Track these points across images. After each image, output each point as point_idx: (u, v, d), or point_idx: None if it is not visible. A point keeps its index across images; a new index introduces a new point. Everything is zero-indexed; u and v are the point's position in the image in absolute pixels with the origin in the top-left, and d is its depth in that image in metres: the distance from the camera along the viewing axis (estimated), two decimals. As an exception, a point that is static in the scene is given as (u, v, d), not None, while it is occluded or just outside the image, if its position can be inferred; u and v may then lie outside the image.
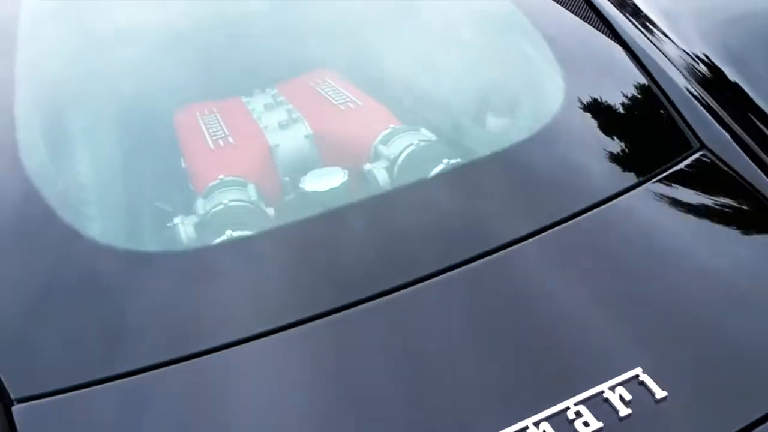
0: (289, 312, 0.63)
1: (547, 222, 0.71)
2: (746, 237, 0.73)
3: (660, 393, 0.53)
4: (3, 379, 0.56)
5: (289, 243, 0.76)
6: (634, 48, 1.05)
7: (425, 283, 0.65)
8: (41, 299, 0.64)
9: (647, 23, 1.14)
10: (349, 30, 1.34)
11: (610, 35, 1.09)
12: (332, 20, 1.37)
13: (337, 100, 1.17)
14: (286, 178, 1.04)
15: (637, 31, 1.09)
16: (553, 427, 0.50)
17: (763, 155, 0.83)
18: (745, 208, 0.76)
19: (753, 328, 0.60)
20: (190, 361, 0.59)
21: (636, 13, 1.17)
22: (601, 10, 1.17)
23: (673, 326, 0.61)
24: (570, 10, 1.17)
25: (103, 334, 0.62)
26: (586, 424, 0.51)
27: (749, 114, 0.90)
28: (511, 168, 0.86)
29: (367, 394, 0.56)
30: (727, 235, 0.73)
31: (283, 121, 1.13)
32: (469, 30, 1.27)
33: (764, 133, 0.86)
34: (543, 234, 0.70)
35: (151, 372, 0.58)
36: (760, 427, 0.50)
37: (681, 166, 0.80)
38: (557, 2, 1.21)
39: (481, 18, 1.28)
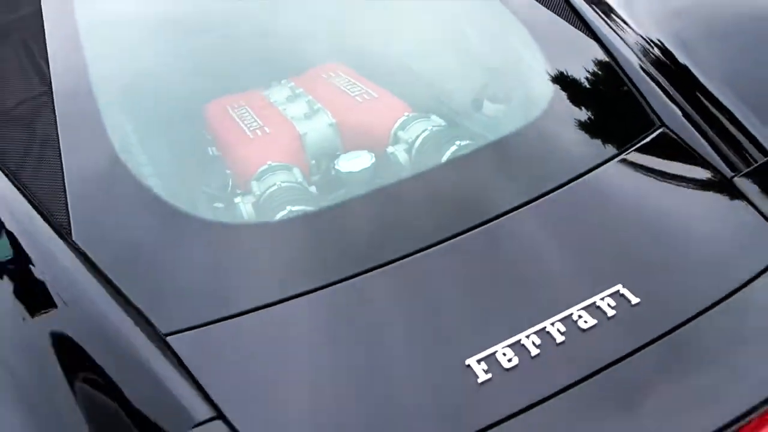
0: (343, 267, 0.83)
1: (535, 193, 0.92)
2: (696, 192, 0.94)
3: (635, 300, 0.76)
4: (158, 314, 0.75)
5: (336, 216, 0.95)
6: (602, 38, 1.25)
7: (458, 238, 0.86)
8: (179, 259, 0.83)
9: (611, 14, 1.34)
10: (355, 24, 1.50)
11: (582, 27, 1.29)
12: (338, 15, 1.52)
13: (351, 91, 1.33)
14: (320, 162, 1.22)
15: (603, 23, 1.29)
16: (564, 326, 0.72)
17: (709, 131, 1.04)
18: (695, 172, 0.97)
19: (699, 252, 0.83)
20: (282, 304, 0.79)
21: (599, 3, 1.37)
22: (572, 2, 1.36)
23: (640, 256, 0.83)
24: (546, 6, 1.36)
25: (223, 282, 0.81)
26: (585, 322, 0.74)
27: (699, 95, 1.11)
28: (500, 150, 1.06)
29: (400, 318, 0.78)
30: (682, 191, 0.94)
31: (307, 112, 1.29)
32: (462, 22, 1.46)
33: (711, 111, 1.07)
34: (533, 201, 0.91)
35: (260, 311, 0.77)
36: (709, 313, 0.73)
37: (645, 141, 1.01)
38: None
39: (471, 11, 1.46)
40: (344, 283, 0.80)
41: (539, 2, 1.35)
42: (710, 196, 0.94)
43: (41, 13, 1.22)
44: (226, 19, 1.52)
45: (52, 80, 1.05)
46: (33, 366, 0.70)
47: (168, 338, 0.73)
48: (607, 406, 0.68)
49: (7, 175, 0.91)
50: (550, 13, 1.33)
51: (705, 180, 0.95)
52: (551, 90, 1.13)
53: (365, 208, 0.95)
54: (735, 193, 0.90)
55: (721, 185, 0.92)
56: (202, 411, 0.68)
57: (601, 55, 1.19)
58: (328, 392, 0.70)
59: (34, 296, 0.76)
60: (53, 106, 1.02)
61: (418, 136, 1.15)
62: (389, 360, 0.72)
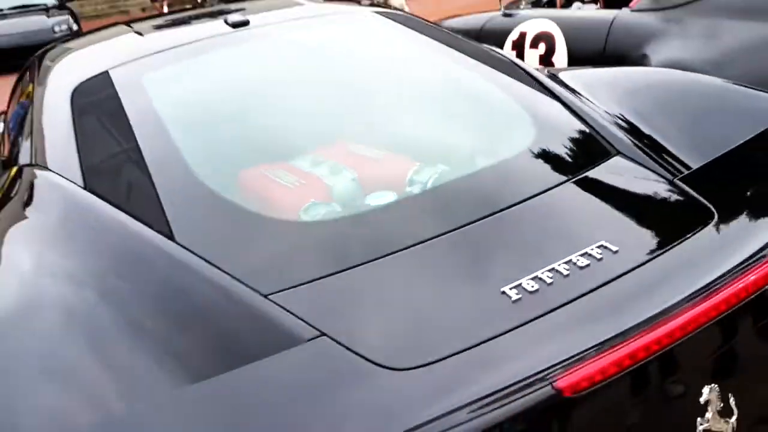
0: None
1: (529, 193, 1.20)
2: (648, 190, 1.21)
3: (614, 248, 1.00)
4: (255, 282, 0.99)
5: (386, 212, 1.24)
6: (567, 103, 1.53)
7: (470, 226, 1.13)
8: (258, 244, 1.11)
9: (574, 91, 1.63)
10: (361, 104, 1.68)
11: (552, 95, 1.57)
12: (348, 97, 1.69)
13: (366, 156, 1.52)
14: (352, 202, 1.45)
15: (567, 92, 1.58)
16: (564, 268, 0.97)
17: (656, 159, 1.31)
18: (645, 184, 1.24)
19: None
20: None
21: (563, 84, 1.66)
22: (543, 81, 1.65)
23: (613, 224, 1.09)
24: (520, 81, 1.65)
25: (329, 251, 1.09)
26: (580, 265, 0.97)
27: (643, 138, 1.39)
28: (497, 174, 1.33)
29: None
30: (634, 193, 1.23)
31: (331, 171, 1.40)
32: (451, 94, 1.71)
33: (652, 149, 1.34)
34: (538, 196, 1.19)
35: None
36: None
37: (608, 161, 1.29)
38: (514, 77, 1.69)
39: (462, 87, 1.72)
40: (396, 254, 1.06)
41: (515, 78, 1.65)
42: (660, 190, 1.24)
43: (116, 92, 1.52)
44: (263, 101, 1.72)
45: (139, 142, 1.35)
46: (173, 324, 0.95)
47: (269, 296, 0.98)
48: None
49: (126, 210, 1.19)
50: (522, 84, 1.63)
51: (650, 187, 1.25)
52: (531, 134, 1.40)
53: (405, 208, 1.23)
54: (678, 188, 1.20)
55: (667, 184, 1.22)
56: (311, 331, 0.92)
57: (570, 117, 1.47)
58: (405, 315, 0.96)
59: (160, 275, 1.04)
60: (143, 158, 1.31)
61: (430, 177, 1.40)
62: (449, 292, 1.00)
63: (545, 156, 1.34)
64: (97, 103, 1.57)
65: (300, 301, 0.96)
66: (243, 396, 0.82)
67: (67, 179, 1.32)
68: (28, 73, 2.24)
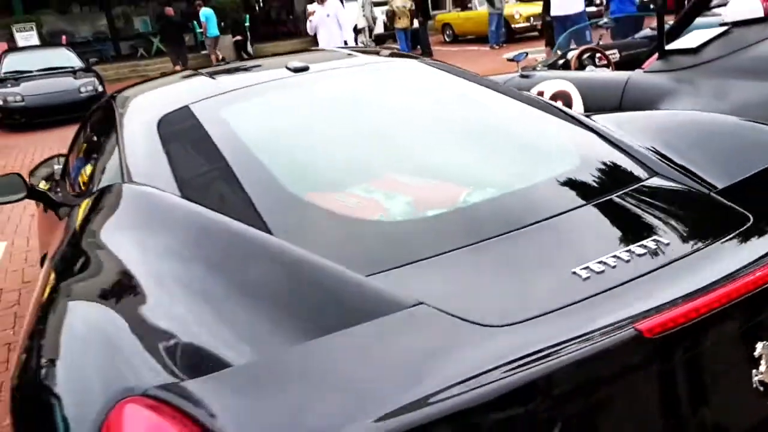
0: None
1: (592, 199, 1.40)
2: (688, 203, 1.39)
3: (666, 240, 1.19)
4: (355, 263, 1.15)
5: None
6: (605, 134, 1.72)
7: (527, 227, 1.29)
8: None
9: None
10: (410, 141, 1.82)
11: (588, 128, 1.77)
12: (396, 135, 1.84)
13: (417, 184, 1.64)
14: None
15: (603, 127, 1.78)
16: (625, 255, 1.14)
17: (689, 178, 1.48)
18: (686, 195, 1.40)
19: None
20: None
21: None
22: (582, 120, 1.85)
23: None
24: (559, 117, 1.85)
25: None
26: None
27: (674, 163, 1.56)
28: (554, 187, 1.50)
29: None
30: (678, 202, 1.39)
31: (386, 195, 1.52)
32: (493, 126, 1.90)
33: (684, 171, 1.51)
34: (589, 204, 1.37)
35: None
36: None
37: (648, 181, 1.45)
38: (553, 114, 1.89)
39: (509, 120, 1.92)
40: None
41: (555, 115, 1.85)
42: (699, 200, 1.43)
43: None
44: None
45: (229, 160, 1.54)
46: (287, 296, 1.10)
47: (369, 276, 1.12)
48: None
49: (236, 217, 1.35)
50: (565, 121, 1.83)
51: (684, 200, 1.46)
52: (574, 159, 1.58)
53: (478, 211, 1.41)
54: (715, 199, 1.38)
55: (703, 196, 1.41)
56: (410, 301, 1.04)
57: (611, 149, 1.66)
58: (488, 289, 1.12)
59: (268, 261, 1.20)
60: (234, 174, 1.49)
61: (482, 198, 1.56)
62: (527, 273, 1.18)
63: (589, 174, 1.52)
64: (183, 131, 1.77)
65: (395, 281, 1.11)
66: (355, 349, 0.95)
67: (164, 191, 1.50)
68: (100, 112, 2.46)
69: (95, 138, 2.41)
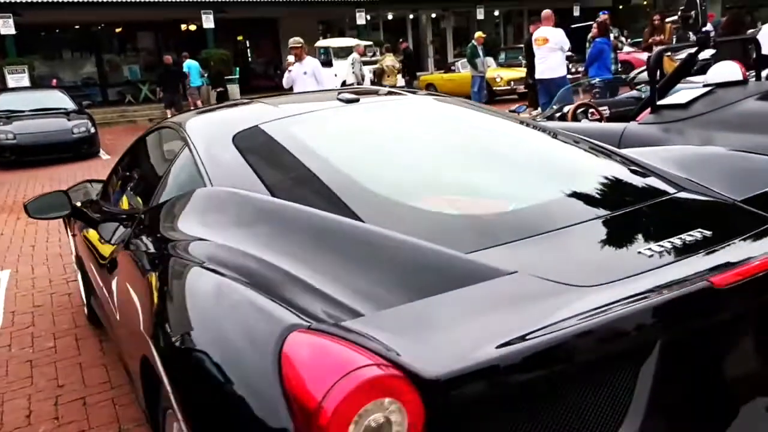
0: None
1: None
2: (715, 209, 1.61)
3: (709, 233, 1.41)
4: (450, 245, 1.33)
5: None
6: (624, 156, 1.99)
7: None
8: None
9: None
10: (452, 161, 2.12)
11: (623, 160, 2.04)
12: (437, 154, 2.08)
13: (466, 200, 1.94)
14: None
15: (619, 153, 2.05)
16: (677, 242, 1.34)
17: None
18: (714, 204, 1.63)
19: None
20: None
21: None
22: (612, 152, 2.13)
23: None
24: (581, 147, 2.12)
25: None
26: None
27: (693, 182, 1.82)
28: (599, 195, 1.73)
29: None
30: (707, 208, 1.62)
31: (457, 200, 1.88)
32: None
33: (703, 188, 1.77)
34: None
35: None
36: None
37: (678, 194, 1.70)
38: (573, 143, 2.17)
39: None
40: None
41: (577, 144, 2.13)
42: (725, 206, 1.63)
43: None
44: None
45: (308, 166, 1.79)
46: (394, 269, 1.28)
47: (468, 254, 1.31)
48: None
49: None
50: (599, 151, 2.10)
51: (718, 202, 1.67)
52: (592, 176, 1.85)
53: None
54: (738, 205, 1.62)
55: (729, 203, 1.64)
56: (507, 270, 1.21)
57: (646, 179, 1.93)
58: (574, 262, 1.33)
59: (366, 242, 1.39)
60: (317, 176, 1.73)
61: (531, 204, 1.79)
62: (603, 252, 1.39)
63: (623, 187, 1.78)
64: (259, 145, 1.99)
65: (489, 258, 1.31)
66: (469, 301, 1.14)
67: (243, 192, 1.71)
68: (157, 136, 2.68)
69: (153, 159, 2.62)
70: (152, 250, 1.75)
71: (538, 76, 8.96)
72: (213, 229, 1.63)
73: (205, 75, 16.78)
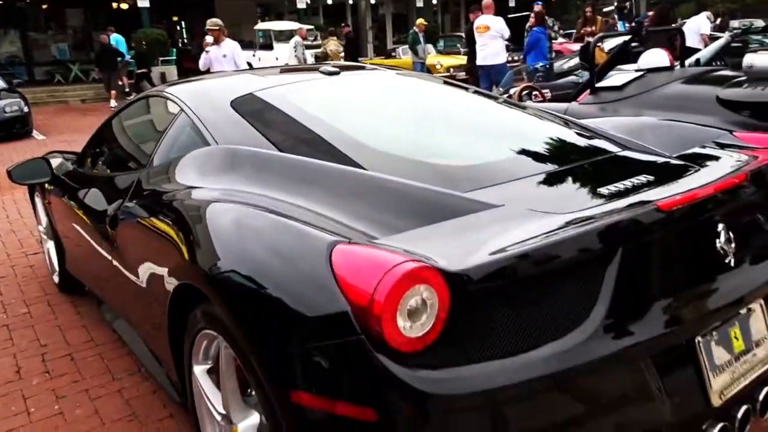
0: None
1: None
2: (654, 162, 1.75)
3: (652, 178, 1.60)
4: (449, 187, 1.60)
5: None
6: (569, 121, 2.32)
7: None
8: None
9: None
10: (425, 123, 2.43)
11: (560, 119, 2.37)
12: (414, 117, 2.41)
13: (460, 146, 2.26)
14: None
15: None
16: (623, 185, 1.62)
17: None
18: (655, 158, 1.93)
19: None
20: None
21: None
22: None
23: None
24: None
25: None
26: None
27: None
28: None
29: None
30: (648, 162, 1.88)
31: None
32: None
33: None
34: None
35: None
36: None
37: (623, 152, 2.03)
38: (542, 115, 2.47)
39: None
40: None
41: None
42: (663, 159, 1.68)
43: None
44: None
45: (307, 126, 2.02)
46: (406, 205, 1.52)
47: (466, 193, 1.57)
48: None
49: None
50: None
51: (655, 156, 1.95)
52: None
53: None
54: (673, 160, 1.91)
55: (664, 156, 1.92)
56: (496, 204, 1.48)
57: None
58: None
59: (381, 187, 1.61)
60: (318, 134, 1.97)
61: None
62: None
63: (581, 144, 2.09)
64: (258, 109, 2.19)
65: (478, 197, 1.57)
66: (468, 225, 1.41)
67: (252, 148, 1.93)
68: (145, 104, 2.83)
69: (143, 126, 2.76)
70: (177, 199, 1.89)
71: (479, 62, 9.35)
72: (233, 180, 1.83)
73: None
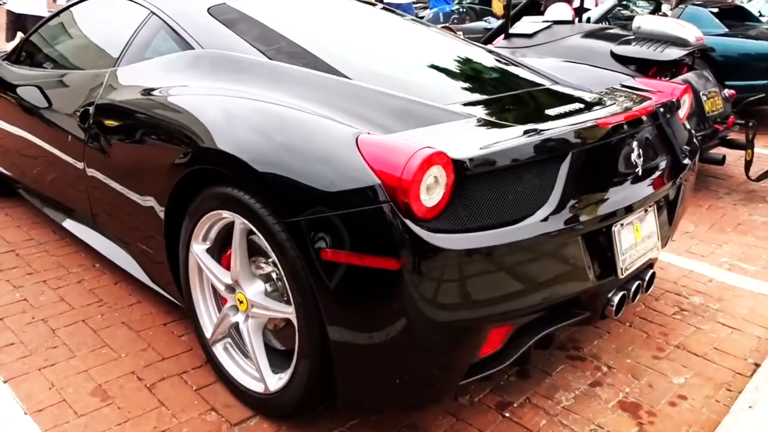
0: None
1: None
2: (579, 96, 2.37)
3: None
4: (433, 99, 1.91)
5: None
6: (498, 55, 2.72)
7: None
8: None
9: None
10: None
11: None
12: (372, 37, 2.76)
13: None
14: None
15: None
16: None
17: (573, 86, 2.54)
18: (574, 93, 2.41)
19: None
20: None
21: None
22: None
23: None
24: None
25: None
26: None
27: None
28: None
29: None
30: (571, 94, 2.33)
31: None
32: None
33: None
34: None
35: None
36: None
37: (555, 87, 2.46)
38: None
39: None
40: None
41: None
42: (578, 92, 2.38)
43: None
44: None
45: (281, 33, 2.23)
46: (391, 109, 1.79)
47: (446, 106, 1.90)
48: None
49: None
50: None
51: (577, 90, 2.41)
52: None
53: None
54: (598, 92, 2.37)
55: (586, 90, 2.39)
56: (467, 115, 1.91)
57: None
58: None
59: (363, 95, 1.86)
60: (294, 42, 2.19)
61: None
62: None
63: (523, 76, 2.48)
64: (234, 18, 2.33)
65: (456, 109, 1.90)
66: (447, 129, 1.74)
67: (242, 54, 2.12)
68: (96, 4, 2.84)
69: (103, 26, 2.78)
70: (179, 95, 2.04)
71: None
72: (228, 82, 2.02)
73: None
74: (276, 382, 1.81)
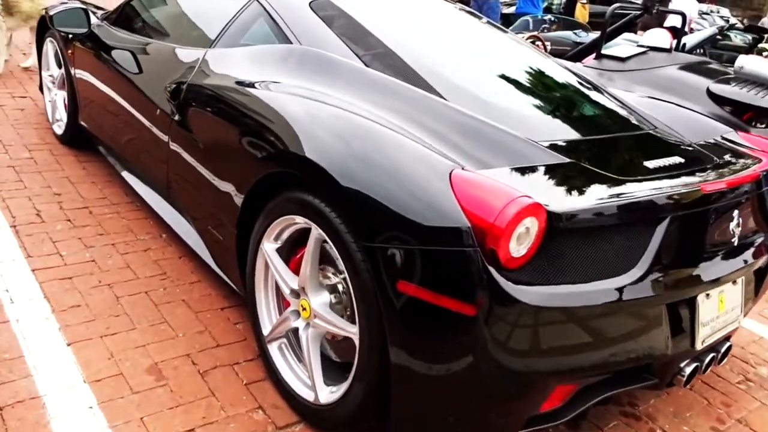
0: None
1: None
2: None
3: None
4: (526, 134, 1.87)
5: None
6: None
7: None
8: None
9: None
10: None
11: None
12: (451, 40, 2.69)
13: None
14: None
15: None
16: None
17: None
18: (677, 142, 2.29)
19: None
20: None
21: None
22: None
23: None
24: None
25: None
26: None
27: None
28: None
29: None
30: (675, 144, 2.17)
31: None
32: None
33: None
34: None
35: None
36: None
37: (653, 130, 2.35)
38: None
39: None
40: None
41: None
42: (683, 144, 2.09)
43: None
44: None
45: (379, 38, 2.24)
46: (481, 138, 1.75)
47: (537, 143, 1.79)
48: None
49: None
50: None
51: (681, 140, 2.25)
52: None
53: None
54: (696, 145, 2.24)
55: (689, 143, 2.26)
56: (565, 158, 1.82)
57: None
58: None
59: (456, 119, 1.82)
60: (391, 50, 2.16)
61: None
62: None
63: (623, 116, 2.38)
64: (335, 15, 2.32)
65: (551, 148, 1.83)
66: (548, 172, 1.69)
67: (338, 56, 2.09)
68: None
69: (207, 5, 2.80)
70: (272, 91, 2.04)
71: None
72: (318, 84, 2.00)
73: None
74: (327, 395, 1.81)
